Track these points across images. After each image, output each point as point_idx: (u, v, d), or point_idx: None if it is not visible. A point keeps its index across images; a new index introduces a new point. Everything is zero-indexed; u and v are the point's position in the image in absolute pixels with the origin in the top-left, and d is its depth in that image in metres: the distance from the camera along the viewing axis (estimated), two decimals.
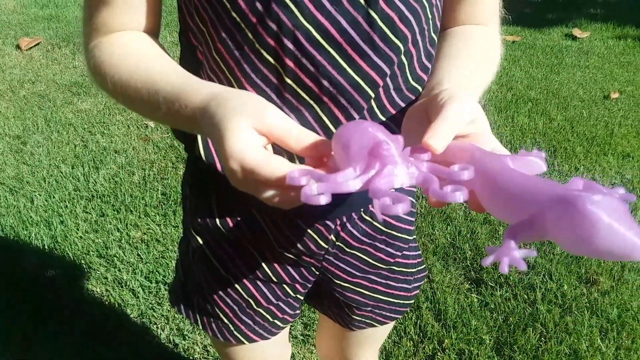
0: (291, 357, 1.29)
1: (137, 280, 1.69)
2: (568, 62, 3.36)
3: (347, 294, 0.73)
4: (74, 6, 4.27)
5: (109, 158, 2.33)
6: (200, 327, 0.74)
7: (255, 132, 0.40)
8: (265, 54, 0.50)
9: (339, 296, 0.74)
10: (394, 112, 0.56)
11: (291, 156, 0.50)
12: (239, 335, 0.73)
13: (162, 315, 1.58)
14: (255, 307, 0.71)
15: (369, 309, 0.77)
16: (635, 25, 3.90)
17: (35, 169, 2.26)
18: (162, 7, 0.58)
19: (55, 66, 3.25)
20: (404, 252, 0.73)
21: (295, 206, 0.41)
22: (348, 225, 0.64)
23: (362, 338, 0.86)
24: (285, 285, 0.70)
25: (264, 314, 0.72)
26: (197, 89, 0.47)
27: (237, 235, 0.65)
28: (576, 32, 3.79)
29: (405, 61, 0.54)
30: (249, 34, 0.49)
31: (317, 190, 0.35)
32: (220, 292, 0.70)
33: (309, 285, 0.72)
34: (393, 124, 0.56)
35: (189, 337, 1.52)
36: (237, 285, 0.69)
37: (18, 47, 3.50)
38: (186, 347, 1.50)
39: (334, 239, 0.65)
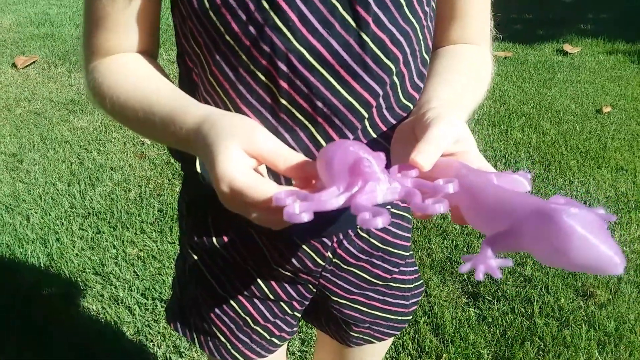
0: None
1: (134, 297, 1.69)
2: (560, 77, 3.39)
3: (344, 310, 0.74)
4: (70, 25, 4.29)
5: (105, 175, 2.33)
6: (197, 346, 0.74)
7: (246, 154, 0.41)
8: (260, 75, 0.51)
9: (336, 313, 0.74)
10: (386, 129, 0.57)
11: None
12: (236, 354, 0.72)
13: (159, 333, 1.57)
14: (252, 325, 0.71)
15: (367, 325, 0.77)
16: (625, 40, 3.95)
17: (31, 186, 2.26)
18: (158, 25, 0.59)
19: (51, 84, 3.27)
20: (401, 268, 0.74)
21: (284, 227, 0.41)
22: (345, 242, 0.65)
23: (361, 354, 0.86)
24: (282, 303, 0.70)
25: (261, 332, 0.72)
26: (191, 111, 0.47)
27: (234, 253, 0.65)
28: (567, 47, 3.84)
29: (397, 81, 0.54)
30: (243, 57, 0.50)
31: (299, 209, 0.35)
32: (217, 310, 0.69)
33: (306, 303, 0.72)
34: (385, 142, 0.56)
35: (185, 355, 1.51)
36: (234, 303, 0.69)
37: (14, 65, 3.51)
38: None
39: (330, 256, 0.65)
